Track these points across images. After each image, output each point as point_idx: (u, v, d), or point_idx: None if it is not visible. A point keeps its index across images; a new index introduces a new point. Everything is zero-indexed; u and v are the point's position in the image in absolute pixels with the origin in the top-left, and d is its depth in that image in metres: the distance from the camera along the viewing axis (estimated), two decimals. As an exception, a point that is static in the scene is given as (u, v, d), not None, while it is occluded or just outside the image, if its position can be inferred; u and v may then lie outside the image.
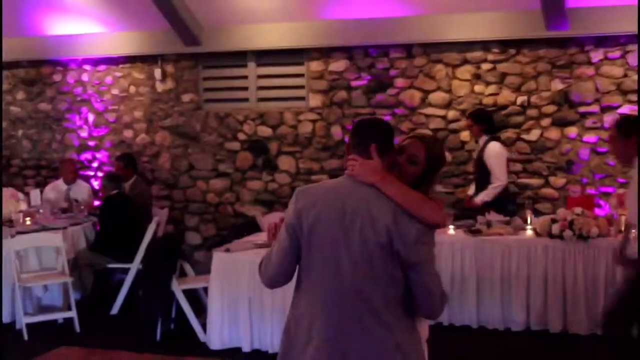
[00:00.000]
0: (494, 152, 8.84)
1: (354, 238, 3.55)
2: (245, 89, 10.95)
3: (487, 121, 9.13)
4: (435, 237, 3.61)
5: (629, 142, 5.75)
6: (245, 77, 10.94)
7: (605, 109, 9.50)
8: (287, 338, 3.73)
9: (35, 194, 10.47)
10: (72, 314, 8.56)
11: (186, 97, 11.19)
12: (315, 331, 3.61)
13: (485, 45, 9.87)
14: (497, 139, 9.02)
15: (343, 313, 3.58)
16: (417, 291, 3.52)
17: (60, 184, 10.92)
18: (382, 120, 3.94)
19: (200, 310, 8.20)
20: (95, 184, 11.49)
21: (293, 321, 3.72)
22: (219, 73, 11.09)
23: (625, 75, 9.40)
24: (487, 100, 9.87)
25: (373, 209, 3.55)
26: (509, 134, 9.81)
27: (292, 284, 3.79)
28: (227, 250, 7.83)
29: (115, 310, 9.22)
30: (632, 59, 9.34)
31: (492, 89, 9.88)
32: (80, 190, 10.83)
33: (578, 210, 8.02)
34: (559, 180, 9.73)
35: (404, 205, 3.52)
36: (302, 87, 10.71)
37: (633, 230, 6.12)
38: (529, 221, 8.37)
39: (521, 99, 9.78)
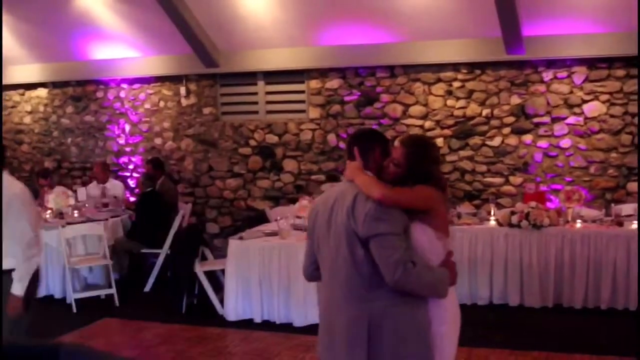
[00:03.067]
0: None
1: (332, 230, 3.58)
2: (256, 103, 10.94)
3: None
4: (398, 216, 3.43)
5: None
6: (256, 94, 10.92)
7: (555, 120, 9.50)
8: None
9: (81, 191, 10.47)
10: (113, 291, 8.58)
11: (206, 110, 11.19)
12: (320, 309, 3.81)
13: (455, 66, 9.86)
14: None
15: (330, 293, 3.65)
16: (377, 262, 3.40)
17: (94, 184, 10.88)
18: (364, 129, 3.95)
19: (219, 288, 8.20)
20: (131, 182, 11.51)
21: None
22: (234, 90, 11.08)
23: (571, 92, 9.40)
24: (457, 113, 9.88)
25: (345, 200, 3.54)
26: (475, 140, 9.83)
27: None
28: (241, 238, 7.86)
29: (147, 288, 9.23)
30: (576, 79, 9.34)
31: (461, 103, 9.88)
32: (114, 188, 10.81)
33: (533, 204, 8.03)
34: (517, 179, 9.74)
35: (361, 188, 3.49)
36: (303, 101, 10.70)
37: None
38: (492, 213, 8.38)
39: (486, 112, 9.78)
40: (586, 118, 9.37)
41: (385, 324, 3.46)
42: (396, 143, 3.76)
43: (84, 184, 11.39)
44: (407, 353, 3.49)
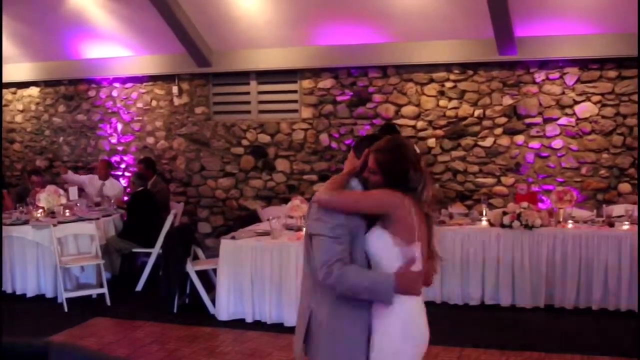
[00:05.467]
0: None
1: None
2: (248, 102, 10.92)
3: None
4: (337, 217, 3.38)
5: None
6: (248, 93, 10.91)
7: (547, 121, 9.52)
8: None
9: (73, 190, 10.41)
10: (104, 290, 8.55)
11: (199, 110, 11.17)
12: None
13: (448, 67, 9.87)
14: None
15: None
16: None
17: (96, 178, 10.92)
18: (377, 135, 3.86)
19: (210, 287, 8.18)
20: (123, 182, 11.48)
21: None
22: (226, 89, 11.07)
23: (563, 93, 9.42)
24: (450, 113, 9.89)
25: None
26: (467, 141, 9.84)
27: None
28: (233, 237, 7.84)
29: (139, 287, 9.20)
30: (568, 79, 9.37)
31: (453, 103, 9.89)
32: (113, 187, 10.80)
33: (524, 204, 8.04)
34: (509, 179, 9.75)
35: None
36: (295, 101, 10.69)
37: None
38: (484, 214, 8.38)
39: (478, 112, 9.79)
40: (578, 119, 9.40)
41: (324, 321, 3.46)
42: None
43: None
44: (339, 352, 3.46)
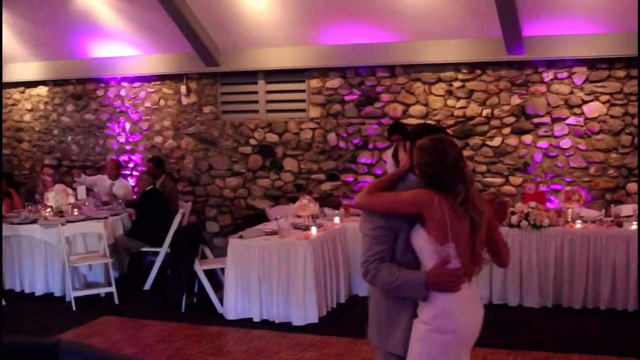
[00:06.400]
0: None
1: None
2: (256, 102, 10.94)
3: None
4: (377, 219, 3.50)
5: None
6: (256, 92, 10.93)
7: (555, 120, 9.51)
8: None
9: (81, 189, 10.45)
10: (112, 289, 8.58)
11: (207, 109, 11.19)
12: None
13: (456, 66, 9.86)
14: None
15: None
16: None
17: (105, 178, 10.95)
18: (422, 125, 3.96)
19: (218, 286, 8.20)
20: (131, 181, 11.51)
21: None
22: (234, 89, 11.08)
23: (571, 92, 9.41)
24: (458, 113, 9.88)
25: None
26: (475, 140, 9.83)
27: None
28: (241, 237, 7.86)
29: (147, 286, 9.23)
30: (577, 79, 9.35)
31: (461, 103, 9.88)
32: (122, 187, 10.83)
33: (532, 204, 8.02)
34: (517, 179, 9.74)
35: None
36: (303, 100, 10.71)
37: None
38: (491, 213, 8.36)
39: (486, 112, 9.79)
40: (586, 118, 9.38)
41: (377, 306, 3.67)
42: None
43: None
44: (388, 334, 3.61)
